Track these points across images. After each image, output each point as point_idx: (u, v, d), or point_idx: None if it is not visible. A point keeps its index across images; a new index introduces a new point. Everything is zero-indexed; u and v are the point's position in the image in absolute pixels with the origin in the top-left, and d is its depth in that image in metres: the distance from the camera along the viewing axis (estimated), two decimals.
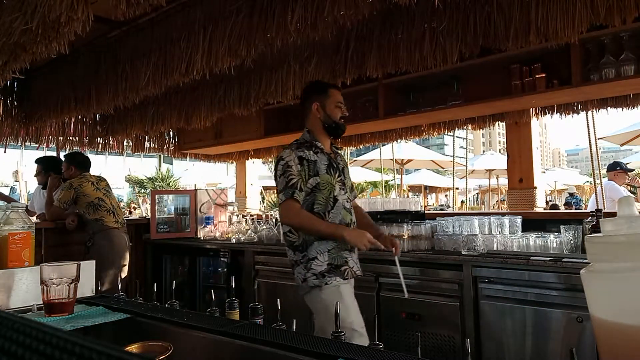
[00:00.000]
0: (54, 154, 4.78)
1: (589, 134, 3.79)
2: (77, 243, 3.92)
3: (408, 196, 14.50)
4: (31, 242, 1.63)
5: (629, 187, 5.34)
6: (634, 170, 8.85)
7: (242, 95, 3.39)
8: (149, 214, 4.55)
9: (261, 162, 7.28)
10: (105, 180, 4.13)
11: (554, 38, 2.15)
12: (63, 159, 4.17)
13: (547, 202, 10.96)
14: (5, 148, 4.62)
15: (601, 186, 4.20)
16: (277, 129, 4.30)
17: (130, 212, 13.36)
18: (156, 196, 4.55)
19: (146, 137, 5.07)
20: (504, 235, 2.78)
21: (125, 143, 4.97)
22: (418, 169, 17.30)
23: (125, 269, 3.84)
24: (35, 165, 4.35)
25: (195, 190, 4.59)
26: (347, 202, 2.35)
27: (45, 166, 4.27)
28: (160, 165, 22.07)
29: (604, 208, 3.83)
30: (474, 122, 3.60)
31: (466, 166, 10.68)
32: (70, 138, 4.58)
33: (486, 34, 2.35)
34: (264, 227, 3.98)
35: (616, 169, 5.08)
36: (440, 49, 2.46)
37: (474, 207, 20.43)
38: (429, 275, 2.74)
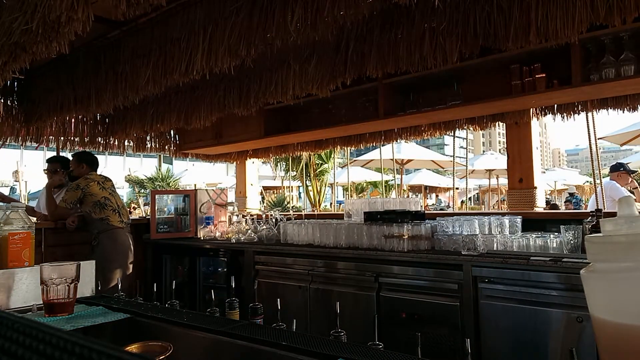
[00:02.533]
0: (54, 153, 4.77)
1: (589, 134, 3.79)
2: (78, 243, 3.92)
3: (408, 196, 14.50)
4: (31, 242, 1.63)
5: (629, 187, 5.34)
6: (637, 171, 8.83)
7: (242, 95, 3.39)
8: (149, 214, 4.56)
9: (261, 162, 7.28)
10: (110, 180, 4.15)
11: (554, 38, 2.15)
12: (71, 157, 4.17)
13: (547, 202, 10.96)
14: (1, 146, 4.61)
15: (601, 186, 4.20)
16: (277, 129, 4.30)
17: (130, 212, 13.37)
18: (156, 196, 4.55)
19: (147, 137, 5.06)
20: (504, 235, 2.77)
21: (126, 143, 4.96)
22: (418, 169, 17.30)
23: (130, 267, 3.87)
24: (47, 165, 4.29)
25: (195, 190, 4.59)
26: None
27: (63, 165, 4.23)
28: (160, 165, 22.08)
29: (604, 208, 3.83)
30: (474, 122, 3.60)
31: (466, 166, 10.68)
32: (71, 138, 4.57)
33: (486, 34, 2.34)
34: (264, 227, 3.97)
35: (619, 169, 5.07)
36: (440, 49, 2.46)
37: (474, 207, 20.43)
38: (429, 275, 2.74)
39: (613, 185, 4.90)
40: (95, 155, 4.21)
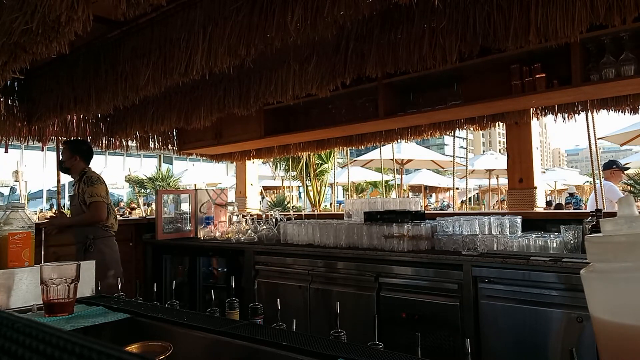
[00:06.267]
0: (54, 153, 4.77)
1: (589, 134, 3.79)
2: (77, 243, 3.91)
3: (408, 196, 14.50)
4: (31, 242, 1.63)
5: (625, 185, 5.35)
6: (629, 168, 8.85)
7: (241, 95, 3.38)
8: (149, 214, 4.55)
9: (261, 162, 7.28)
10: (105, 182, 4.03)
11: (554, 38, 2.15)
12: (63, 145, 3.92)
13: (548, 203, 10.95)
14: (7, 148, 4.61)
15: (601, 186, 4.20)
16: (277, 129, 4.30)
17: (129, 212, 13.38)
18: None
19: (150, 135, 5.04)
20: (504, 235, 2.78)
21: (129, 142, 4.95)
22: (418, 169, 17.31)
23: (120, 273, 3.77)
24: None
25: (195, 190, 4.59)
26: None
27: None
28: (160, 165, 22.09)
29: (604, 208, 3.83)
30: (474, 122, 3.60)
31: (466, 166, 10.68)
32: (74, 138, 4.56)
33: (486, 33, 2.34)
34: (264, 227, 3.98)
35: (612, 167, 5.07)
36: (440, 49, 2.46)
37: (474, 207, 20.42)
38: (429, 275, 2.74)
39: (610, 187, 4.89)
40: (90, 145, 3.97)
